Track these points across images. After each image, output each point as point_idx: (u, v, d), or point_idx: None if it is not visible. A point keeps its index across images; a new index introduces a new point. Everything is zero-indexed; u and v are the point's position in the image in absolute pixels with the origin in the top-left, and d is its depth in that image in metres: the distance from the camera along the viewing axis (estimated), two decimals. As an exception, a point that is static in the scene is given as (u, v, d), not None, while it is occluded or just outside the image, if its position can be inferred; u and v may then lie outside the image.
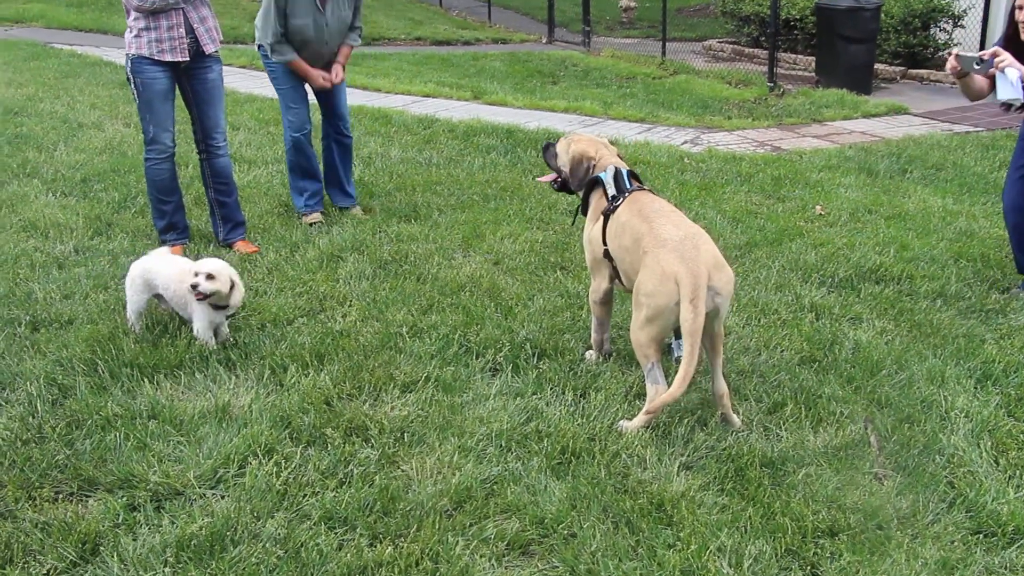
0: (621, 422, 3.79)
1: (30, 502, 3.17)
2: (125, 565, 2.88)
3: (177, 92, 5.49)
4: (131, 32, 5.28)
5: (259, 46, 6.04)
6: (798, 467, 3.52)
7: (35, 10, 17.92)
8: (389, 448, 3.56)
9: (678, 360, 4.25)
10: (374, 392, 4.00)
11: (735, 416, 3.85)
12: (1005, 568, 3.03)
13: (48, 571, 2.84)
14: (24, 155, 7.38)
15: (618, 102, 11.45)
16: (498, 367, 4.28)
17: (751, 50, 14.61)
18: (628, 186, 4.13)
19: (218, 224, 5.80)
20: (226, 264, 4.36)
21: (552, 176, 4.46)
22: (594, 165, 4.23)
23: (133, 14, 5.23)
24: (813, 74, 12.67)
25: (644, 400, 3.83)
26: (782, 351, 4.48)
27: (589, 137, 4.42)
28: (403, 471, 3.43)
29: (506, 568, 2.96)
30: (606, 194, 4.14)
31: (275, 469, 3.36)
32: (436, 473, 3.41)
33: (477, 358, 4.34)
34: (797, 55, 13.73)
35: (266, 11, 5.77)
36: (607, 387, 4.06)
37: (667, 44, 15.10)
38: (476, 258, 5.67)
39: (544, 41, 17.45)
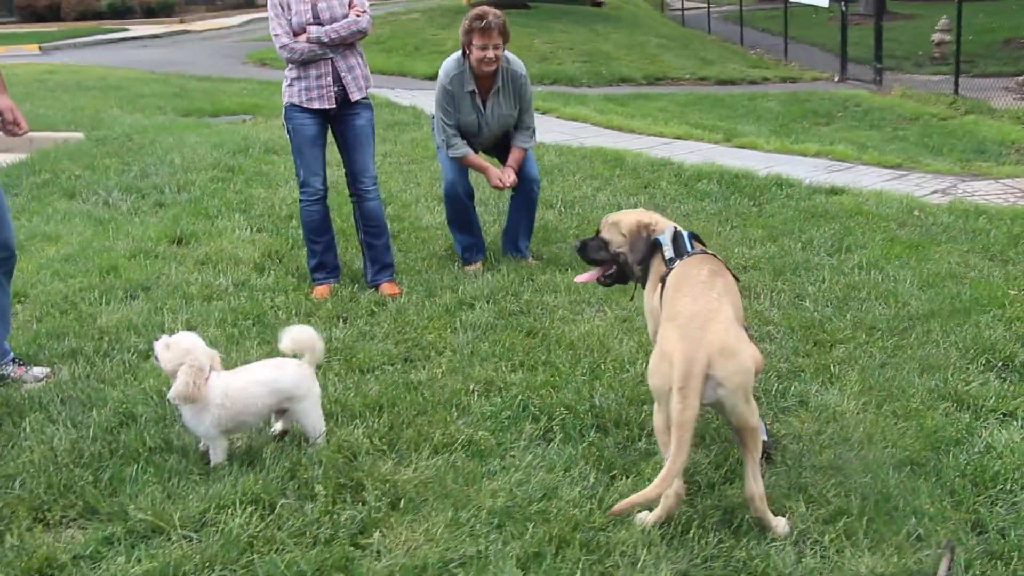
0: (639, 514, 3.36)
1: (33, 524, 3.38)
2: (60, 600, 2.99)
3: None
4: (285, 81, 5.59)
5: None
6: (814, 596, 2.93)
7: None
8: (376, 513, 3.41)
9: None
10: (406, 451, 3.87)
11: (777, 522, 3.28)
12: None
13: (-9, 596, 3.02)
14: (251, 192, 8.04)
15: (880, 146, 10.45)
16: (552, 435, 3.99)
17: (1073, 85, 12.80)
18: (689, 248, 3.69)
19: (367, 265, 5.95)
20: (206, 351, 3.71)
21: (597, 272, 4.07)
22: (653, 230, 3.83)
23: (288, 65, 5.54)
24: None
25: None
26: (886, 448, 3.78)
27: (632, 210, 4.04)
28: (375, 539, 3.27)
29: (407, 664, 2.71)
30: (663, 258, 3.73)
31: (249, 520, 3.33)
32: (407, 547, 3.22)
33: (534, 422, 4.07)
34: None
35: (439, 109, 6.02)
36: (648, 471, 3.64)
37: (973, 80, 13.70)
38: (608, 313, 5.36)
39: (836, 79, 16.38)
